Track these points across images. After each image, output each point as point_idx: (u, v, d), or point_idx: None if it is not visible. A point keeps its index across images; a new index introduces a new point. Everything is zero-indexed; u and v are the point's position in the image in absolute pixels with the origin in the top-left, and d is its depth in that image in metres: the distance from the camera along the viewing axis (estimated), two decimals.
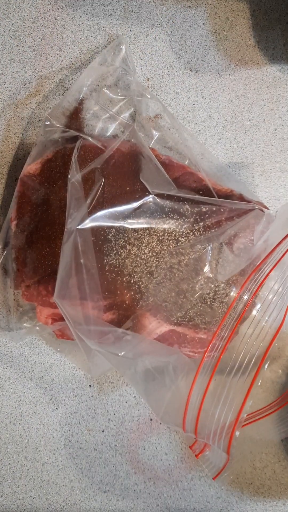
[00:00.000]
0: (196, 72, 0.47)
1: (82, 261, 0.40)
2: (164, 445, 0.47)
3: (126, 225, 0.42)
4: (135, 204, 0.42)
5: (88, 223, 0.41)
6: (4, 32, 0.46)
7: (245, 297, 0.42)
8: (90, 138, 0.43)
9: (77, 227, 0.40)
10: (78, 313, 0.40)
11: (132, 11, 0.47)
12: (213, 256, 0.42)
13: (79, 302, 0.41)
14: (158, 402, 0.43)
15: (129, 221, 0.42)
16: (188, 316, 0.42)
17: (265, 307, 0.43)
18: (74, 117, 0.45)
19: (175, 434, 0.47)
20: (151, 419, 0.47)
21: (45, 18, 0.46)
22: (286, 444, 0.46)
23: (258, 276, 0.42)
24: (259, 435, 0.44)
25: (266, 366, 0.44)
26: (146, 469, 0.47)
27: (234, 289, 0.43)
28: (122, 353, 0.40)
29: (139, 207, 0.42)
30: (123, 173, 0.43)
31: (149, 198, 0.42)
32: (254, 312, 0.43)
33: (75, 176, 0.41)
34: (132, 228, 0.42)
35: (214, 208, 0.42)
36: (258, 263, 0.42)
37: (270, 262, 0.42)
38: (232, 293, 0.43)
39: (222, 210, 0.42)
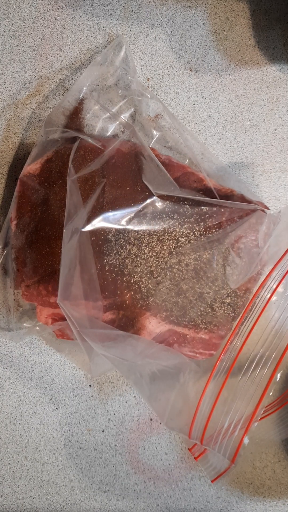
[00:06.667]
0: (196, 72, 0.47)
1: (86, 262, 0.40)
2: (164, 445, 0.47)
3: (129, 227, 0.42)
4: (138, 207, 0.42)
5: (91, 225, 0.41)
6: (4, 32, 0.46)
7: (259, 304, 0.42)
8: (89, 139, 0.43)
9: (82, 230, 0.40)
10: (83, 316, 0.40)
11: (132, 11, 0.47)
12: (218, 260, 0.42)
13: (83, 302, 0.41)
14: (162, 407, 0.43)
15: (133, 223, 0.42)
16: (188, 316, 0.42)
17: (270, 309, 0.43)
18: (74, 117, 0.45)
19: (175, 434, 0.47)
20: (151, 419, 0.47)
21: (45, 18, 0.46)
22: (286, 444, 0.46)
23: (270, 283, 0.42)
24: (259, 435, 0.44)
25: (278, 376, 0.44)
26: (146, 469, 0.47)
27: (238, 293, 0.43)
28: (129, 358, 0.40)
29: (142, 209, 0.42)
30: (123, 173, 0.43)
31: (153, 200, 0.42)
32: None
33: (74, 176, 0.41)
34: (132, 228, 0.42)
35: (215, 209, 0.42)
36: (270, 269, 0.42)
37: (281, 269, 0.42)
38: (240, 299, 0.43)
39: (222, 210, 0.42)
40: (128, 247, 0.42)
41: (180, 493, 0.47)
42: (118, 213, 0.42)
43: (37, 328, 0.46)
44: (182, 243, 0.42)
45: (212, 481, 0.43)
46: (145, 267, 0.42)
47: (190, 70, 0.47)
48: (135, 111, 0.46)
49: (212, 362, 0.44)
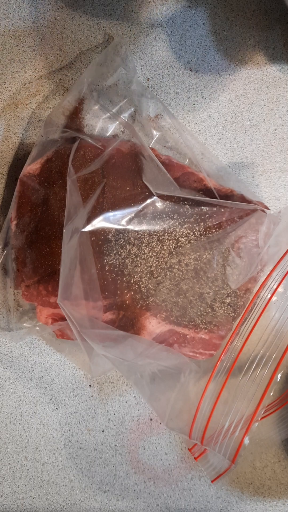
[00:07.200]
0: (196, 72, 0.47)
1: (86, 262, 0.40)
2: (164, 445, 0.47)
3: (130, 227, 0.42)
4: (139, 207, 0.42)
5: (91, 226, 0.41)
6: (4, 32, 0.46)
7: (260, 304, 0.42)
8: (89, 139, 0.43)
9: (82, 230, 0.40)
10: (83, 316, 0.40)
11: (132, 11, 0.47)
12: (218, 260, 0.42)
13: (83, 302, 0.41)
14: (163, 407, 0.43)
15: (133, 223, 0.42)
16: (188, 316, 0.42)
17: (270, 309, 0.43)
18: (74, 117, 0.45)
19: (175, 434, 0.47)
20: (151, 419, 0.47)
21: (45, 18, 0.46)
22: (286, 444, 0.46)
23: (270, 283, 0.42)
24: (259, 435, 0.44)
25: (279, 376, 0.44)
26: (146, 469, 0.47)
27: (238, 293, 0.43)
28: (129, 358, 0.40)
29: (142, 209, 0.42)
30: (123, 173, 0.43)
31: (153, 200, 0.42)
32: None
33: (73, 176, 0.41)
34: (132, 229, 0.42)
35: (215, 209, 0.42)
36: (270, 270, 0.42)
37: (281, 270, 0.42)
38: (240, 300, 0.43)
39: (222, 210, 0.42)
40: (128, 247, 0.42)
41: (180, 493, 0.47)
42: (118, 213, 0.42)
43: (37, 328, 0.46)
44: (182, 243, 0.42)
45: (212, 481, 0.43)
46: (145, 267, 0.42)
47: (190, 70, 0.47)
48: (135, 111, 0.46)
49: (212, 362, 0.44)
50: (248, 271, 0.43)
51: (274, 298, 0.43)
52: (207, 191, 0.43)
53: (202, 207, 0.42)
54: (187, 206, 0.42)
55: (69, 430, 0.47)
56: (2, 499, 0.47)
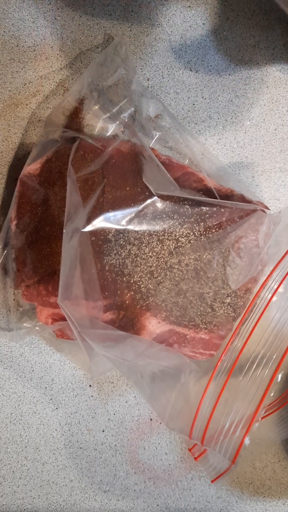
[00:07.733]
0: (196, 72, 0.47)
1: (86, 262, 0.40)
2: (164, 445, 0.47)
3: (130, 227, 0.42)
4: (139, 207, 0.42)
5: (92, 226, 0.41)
6: (4, 32, 0.46)
7: (260, 304, 0.42)
8: (89, 139, 0.43)
9: (82, 230, 0.40)
10: (83, 316, 0.40)
11: (132, 11, 0.47)
12: (219, 260, 0.42)
13: (83, 302, 0.41)
14: (163, 407, 0.43)
15: (133, 223, 0.42)
16: (188, 316, 0.42)
17: (270, 310, 0.43)
18: (74, 117, 0.45)
19: (175, 434, 0.47)
20: (151, 419, 0.47)
21: (45, 18, 0.46)
22: (286, 444, 0.46)
23: (271, 283, 0.42)
24: (259, 435, 0.44)
25: (279, 377, 0.44)
26: (146, 469, 0.47)
27: (239, 293, 0.43)
28: (130, 358, 0.40)
29: (142, 209, 0.42)
30: (123, 173, 0.43)
31: (153, 200, 0.42)
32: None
33: (73, 176, 0.41)
34: (132, 229, 0.42)
35: (215, 209, 0.42)
36: (270, 270, 0.42)
37: (282, 270, 0.42)
38: (240, 300, 0.43)
39: (222, 210, 0.42)
40: (128, 247, 0.42)
41: (180, 493, 0.47)
42: (118, 213, 0.42)
43: (37, 328, 0.46)
44: (182, 243, 0.42)
45: (212, 481, 0.43)
46: (145, 267, 0.42)
47: (190, 70, 0.47)
48: (135, 111, 0.46)
49: (213, 362, 0.44)
50: (248, 271, 0.43)
51: (274, 299, 0.43)
52: (207, 191, 0.43)
53: (202, 207, 0.42)
54: (187, 206, 0.42)
55: (69, 430, 0.47)
56: (2, 499, 0.47)
